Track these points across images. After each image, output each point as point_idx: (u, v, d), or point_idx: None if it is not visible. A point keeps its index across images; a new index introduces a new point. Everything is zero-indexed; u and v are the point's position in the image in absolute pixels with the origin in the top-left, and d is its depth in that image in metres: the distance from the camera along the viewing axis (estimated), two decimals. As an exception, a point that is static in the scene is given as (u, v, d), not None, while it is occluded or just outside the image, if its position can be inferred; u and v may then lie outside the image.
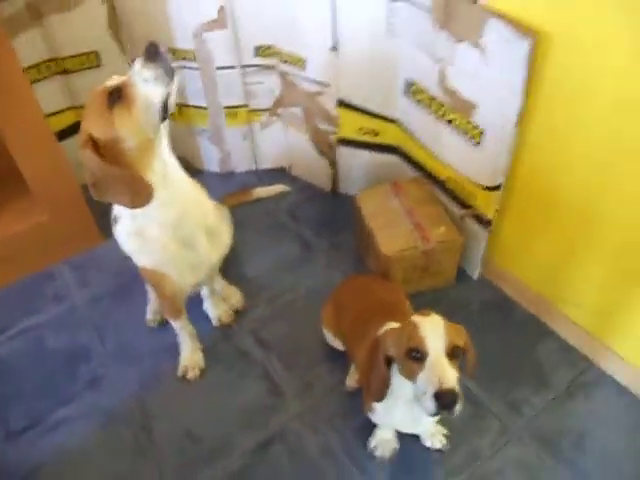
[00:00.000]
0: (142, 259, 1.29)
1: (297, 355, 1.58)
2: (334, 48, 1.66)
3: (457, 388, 0.92)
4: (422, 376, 0.94)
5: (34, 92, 1.65)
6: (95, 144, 1.09)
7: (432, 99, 1.56)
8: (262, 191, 2.05)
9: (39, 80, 1.88)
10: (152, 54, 1.03)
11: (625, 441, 1.36)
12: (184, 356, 1.55)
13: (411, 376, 0.97)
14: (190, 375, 1.53)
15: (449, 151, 1.60)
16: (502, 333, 1.60)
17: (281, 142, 2.09)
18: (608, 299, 1.41)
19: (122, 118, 1.06)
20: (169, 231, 1.23)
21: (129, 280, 1.78)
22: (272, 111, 2.01)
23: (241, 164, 2.17)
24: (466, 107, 1.45)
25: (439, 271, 1.64)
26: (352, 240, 1.88)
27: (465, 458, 1.34)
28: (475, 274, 1.72)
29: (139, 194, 1.14)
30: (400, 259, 1.56)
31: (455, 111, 1.50)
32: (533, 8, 1.21)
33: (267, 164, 2.19)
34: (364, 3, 1.53)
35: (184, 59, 1.86)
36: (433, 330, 0.96)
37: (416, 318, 0.99)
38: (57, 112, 1.97)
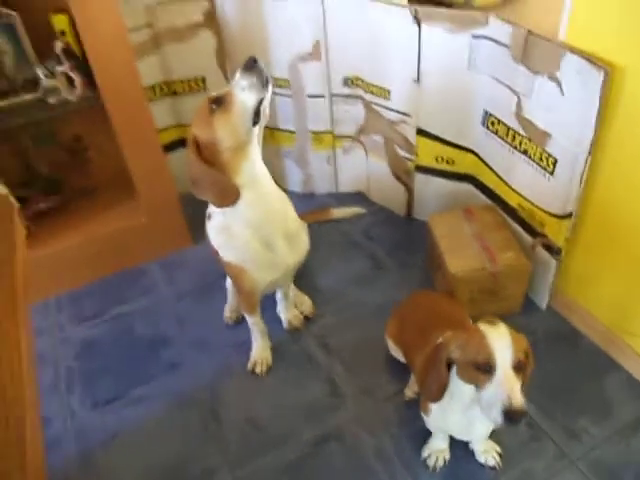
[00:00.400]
0: (227, 254, 1.44)
1: (359, 363, 1.65)
2: (417, 80, 1.78)
3: (525, 405, 0.96)
4: (490, 389, 0.98)
5: (150, 109, 1.90)
6: (198, 145, 1.27)
7: (508, 129, 1.63)
8: (339, 212, 2.18)
9: (152, 100, 2.14)
10: (250, 65, 1.21)
11: (691, 482, 1.31)
12: (255, 351, 1.67)
13: (475, 384, 1.02)
14: (258, 370, 1.65)
15: (522, 180, 1.65)
16: (567, 364, 1.59)
17: (361, 167, 2.22)
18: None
19: (220, 121, 1.23)
20: (252, 230, 1.37)
21: (211, 282, 1.95)
22: (355, 138, 2.16)
23: (322, 186, 2.32)
24: (541, 137, 1.51)
25: (506, 296, 1.67)
26: (422, 262, 1.95)
27: (518, 477, 1.35)
28: (543, 304, 1.74)
29: (226, 195, 1.31)
30: (467, 280, 1.61)
31: (530, 141, 1.56)
32: (607, 42, 1.28)
33: (347, 188, 2.32)
34: (448, 39, 1.65)
35: (279, 87, 2.06)
36: (501, 343, 0.98)
37: (484, 327, 1.02)
38: (165, 128, 2.22)
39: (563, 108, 1.40)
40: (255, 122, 1.26)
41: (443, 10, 1.64)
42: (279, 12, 1.90)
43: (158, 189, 2.00)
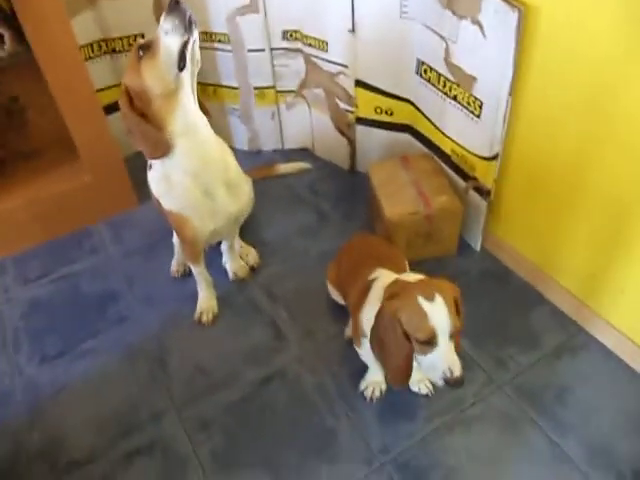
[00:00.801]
0: (167, 202, 1.46)
1: (302, 307, 1.71)
2: (352, 30, 1.80)
3: (463, 373, 1.05)
4: (431, 358, 1.06)
5: (87, 68, 1.87)
6: (130, 96, 1.27)
7: (439, 76, 1.68)
8: (285, 167, 2.21)
9: (91, 58, 2.11)
10: (172, 6, 1.19)
11: (607, 398, 1.42)
12: (200, 301, 1.71)
13: (416, 351, 1.08)
14: (204, 319, 1.69)
15: (454, 126, 1.71)
16: (497, 299, 1.68)
17: (305, 122, 2.24)
18: (595, 265, 1.48)
19: (147, 68, 1.23)
20: (191, 178, 1.39)
21: (159, 239, 1.96)
22: (297, 92, 2.17)
23: (268, 143, 2.33)
24: (468, 82, 1.56)
25: (441, 239, 1.74)
26: (365, 213, 2.00)
27: (448, 404, 1.44)
28: (477, 246, 1.82)
29: (156, 147, 1.32)
30: (403, 223, 1.67)
31: (459, 86, 1.61)
32: (524, -16, 1.33)
33: (292, 144, 2.35)
34: (380, -12, 1.67)
35: (219, 42, 2.05)
36: (441, 318, 1.03)
37: (424, 304, 1.04)
38: (105, 88, 2.19)
39: (485, 51, 1.45)
40: (182, 67, 1.26)
41: (372, -43, 1.65)
42: (214, -36, 1.89)
43: (100, 150, 1.98)
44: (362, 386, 1.47)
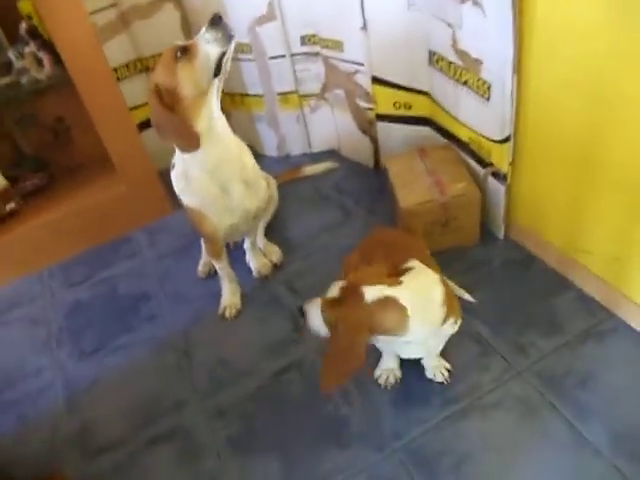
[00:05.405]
0: (187, 199, 1.54)
1: (322, 300, 1.72)
2: (364, 27, 1.83)
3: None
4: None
5: (120, 88, 2.01)
6: (159, 92, 1.36)
7: (450, 64, 1.67)
8: (311, 169, 2.25)
9: (127, 77, 2.26)
10: (215, 21, 1.29)
11: (634, 383, 1.34)
12: (224, 297, 1.77)
13: None
14: (228, 314, 1.74)
15: (468, 112, 1.69)
16: (521, 287, 1.63)
17: (330, 124, 2.28)
18: (621, 244, 1.40)
19: (184, 69, 1.32)
20: (208, 175, 1.46)
21: (190, 242, 2.05)
22: (320, 95, 2.22)
23: (296, 147, 2.39)
24: (475, 65, 1.55)
25: (459, 227, 1.71)
26: (388, 208, 2.00)
27: (465, 390, 1.40)
28: (500, 234, 1.77)
29: (187, 139, 1.40)
30: (418, 212, 1.67)
31: (468, 72, 1.60)
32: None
33: (319, 146, 2.39)
34: (386, -17, 1.70)
35: (242, 52, 2.14)
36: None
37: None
38: (140, 105, 2.33)
39: (487, 32, 1.44)
40: (216, 74, 1.34)
41: (375, -46, 1.69)
42: (233, -21, 1.99)
43: (135, 164, 2.12)
44: (377, 373, 1.46)
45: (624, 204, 1.35)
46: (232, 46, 1.34)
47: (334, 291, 1.15)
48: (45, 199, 2.16)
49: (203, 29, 1.32)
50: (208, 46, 1.31)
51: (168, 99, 1.35)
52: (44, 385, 1.69)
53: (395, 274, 1.18)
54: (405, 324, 1.11)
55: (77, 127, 2.27)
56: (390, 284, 1.11)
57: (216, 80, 1.36)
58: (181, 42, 1.36)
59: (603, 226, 1.43)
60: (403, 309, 1.09)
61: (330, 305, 1.14)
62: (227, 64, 1.37)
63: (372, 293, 1.10)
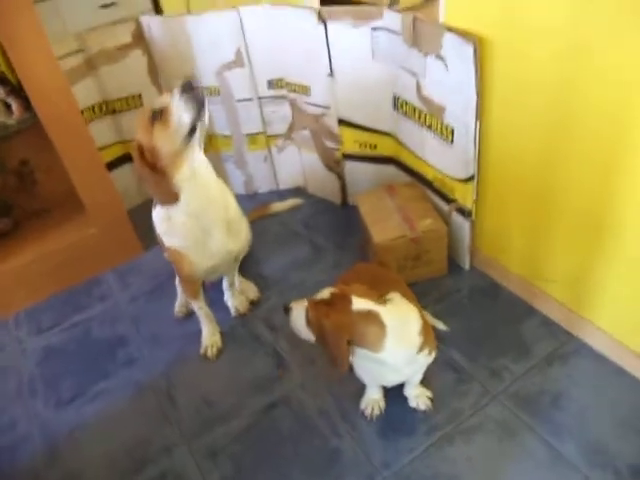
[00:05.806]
0: (168, 240, 1.57)
1: (302, 336, 1.77)
2: (331, 74, 1.94)
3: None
4: None
5: (89, 130, 2.02)
6: (142, 149, 1.40)
7: (415, 109, 1.80)
8: (278, 205, 2.32)
9: (93, 120, 2.27)
10: (187, 87, 1.33)
11: (599, 399, 1.46)
12: (204, 337, 1.79)
13: None
14: (210, 353, 1.76)
15: (432, 153, 1.81)
16: (488, 314, 1.74)
17: (296, 163, 2.37)
18: (578, 270, 1.54)
19: (159, 131, 1.36)
20: (192, 219, 1.50)
21: (162, 282, 2.06)
22: (287, 135, 2.31)
23: (263, 185, 2.46)
24: (439, 111, 1.68)
25: (430, 260, 1.82)
26: (357, 243, 2.09)
27: (447, 417, 1.48)
28: (466, 265, 1.89)
29: (164, 196, 1.45)
30: (391, 247, 1.76)
31: (432, 116, 1.73)
32: (476, 19, 1.46)
33: (286, 184, 2.47)
34: (353, 34, 1.81)
35: (210, 94, 2.20)
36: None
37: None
38: (108, 146, 2.34)
39: (450, 82, 1.57)
40: (191, 135, 1.38)
41: (342, 8, 1.80)
42: (201, 27, 2.06)
43: (105, 204, 2.12)
44: (362, 405, 1.52)
45: (578, 233, 1.49)
46: (206, 112, 1.38)
47: (325, 294, 1.23)
48: (10, 244, 2.12)
49: (176, 93, 1.34)
50: (181, 112, 1.34)
51: (149, 156, 1.39)
52: (20, 437, 1.64)
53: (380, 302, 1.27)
54: (382, 341, 1.19)
55: (41, 169, 2.25)
56: (376, 302, 1.20)
57: (194, 137, 1.38)
58: (156, 104, 1.38)
59: (561, 255, 1.57)
60: (383, 326, 1.18)
61: (318, 305, 1.20)
62: (205, 122, 1.39)
63: (359, 304, 1.18)
